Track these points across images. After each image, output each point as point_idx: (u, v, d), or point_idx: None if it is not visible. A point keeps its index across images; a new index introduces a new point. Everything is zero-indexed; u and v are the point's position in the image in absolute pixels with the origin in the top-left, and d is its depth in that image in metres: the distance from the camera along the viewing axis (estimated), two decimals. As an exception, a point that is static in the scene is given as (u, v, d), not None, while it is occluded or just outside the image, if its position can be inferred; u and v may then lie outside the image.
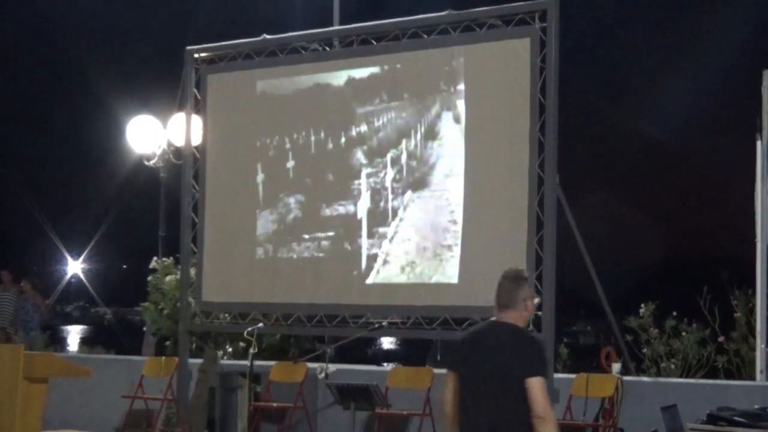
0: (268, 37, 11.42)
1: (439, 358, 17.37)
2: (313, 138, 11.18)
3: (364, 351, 26.19)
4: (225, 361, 12.01)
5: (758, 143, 10.51)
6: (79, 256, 36.08)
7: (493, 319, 5.64)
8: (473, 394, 5.53)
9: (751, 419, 8.38)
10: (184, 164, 12.03)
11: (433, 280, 10.33)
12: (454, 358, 5.73)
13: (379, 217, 10.69)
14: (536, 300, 5.70)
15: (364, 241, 10.76)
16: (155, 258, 13.82)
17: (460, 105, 10.28)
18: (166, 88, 15.88)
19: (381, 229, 10.67)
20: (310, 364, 11.13)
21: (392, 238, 10.60)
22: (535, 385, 5.39)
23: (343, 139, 11.00)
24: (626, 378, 10.12)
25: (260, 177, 11.49)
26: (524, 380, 5.39)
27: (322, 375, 11.05)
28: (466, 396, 5.58)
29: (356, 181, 10.88)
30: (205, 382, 11.26)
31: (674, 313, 11.20)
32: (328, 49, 11.37)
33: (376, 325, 10.55)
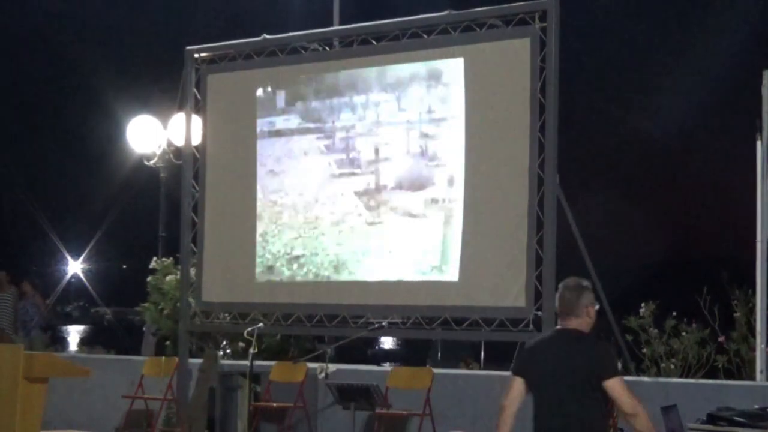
0: (268, 37, 11.41)
1: (439, 357, 17.36)
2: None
3: (364, 351, 26.14)
4: (225, 361, 12.01)
5: (758, 143, 10.49)
6: (79, 256, 36.17)
7: (558, 327, 5.87)
8: (549, 400, 5.70)
9: (751, 419, 8.37)
10: (184, 164, 12.02)
11: (433, 279, 10.32)
12: (523, 365, 5.90)
13: (378, 216, 10.68)
14: (596, 306, 5.91)
15: (363, 241, 10.75)
16: (155, 258, 13.82)
17: (460, 105, 10.27)
18: (166, 88, 15.90)
19: (379, 229, 10.66)
20: (310, 364, 11.12)
21: (391, 237, 10.58)
22: (616, 385, 5.64)
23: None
24: (626, 378, 10.08)
25: (259, 177, 11.48)
26: (602, 383, 5.61)
27: (322, 375, 11.03)
28: (541, 402, 5.76)
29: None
30: (205, 382, 11.26)
31: (674, 313, 11.17)
32: (328, 49, 11.36)
33: (376, 325, 10.54)
